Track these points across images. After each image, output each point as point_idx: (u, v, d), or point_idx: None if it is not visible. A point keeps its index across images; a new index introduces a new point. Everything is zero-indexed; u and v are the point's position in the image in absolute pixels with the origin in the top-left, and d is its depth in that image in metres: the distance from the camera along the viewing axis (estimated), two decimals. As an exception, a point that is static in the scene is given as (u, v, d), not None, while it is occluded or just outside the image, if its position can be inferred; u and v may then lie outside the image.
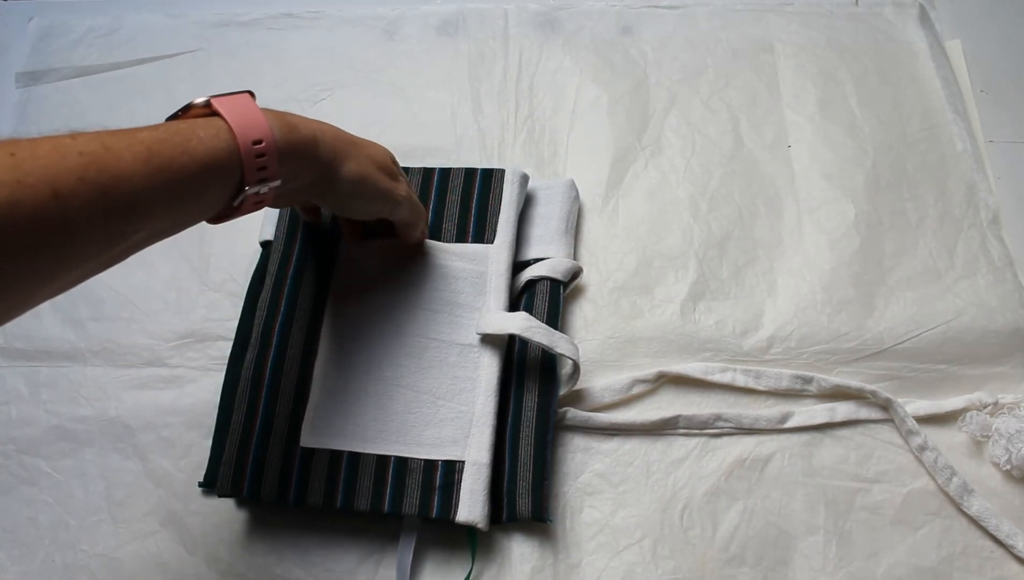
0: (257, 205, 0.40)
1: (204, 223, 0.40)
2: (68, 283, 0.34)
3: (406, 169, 0.58)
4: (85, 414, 0.55)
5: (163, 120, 0.38)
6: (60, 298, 0.57)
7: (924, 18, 0.68)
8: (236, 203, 0.39)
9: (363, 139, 0.48)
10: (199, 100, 0.38)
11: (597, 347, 0.56)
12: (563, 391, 0.52)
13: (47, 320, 0.58)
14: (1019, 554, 0.49)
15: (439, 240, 0.55)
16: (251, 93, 0.40)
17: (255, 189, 0.38)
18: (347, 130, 0.46)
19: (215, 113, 0.38)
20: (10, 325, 0.57)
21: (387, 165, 0.49)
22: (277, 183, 0.39)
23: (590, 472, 0.52)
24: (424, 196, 0.57)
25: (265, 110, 0.39)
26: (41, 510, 0.52)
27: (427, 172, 0.58)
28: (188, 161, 0.35)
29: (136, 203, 0.33)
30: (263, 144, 0.38)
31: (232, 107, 0.38)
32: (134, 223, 0.34)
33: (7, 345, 0.58)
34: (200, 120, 0.37)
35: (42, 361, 0.57)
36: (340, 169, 0.44)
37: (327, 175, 0.44)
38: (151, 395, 0.55)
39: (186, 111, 0.38)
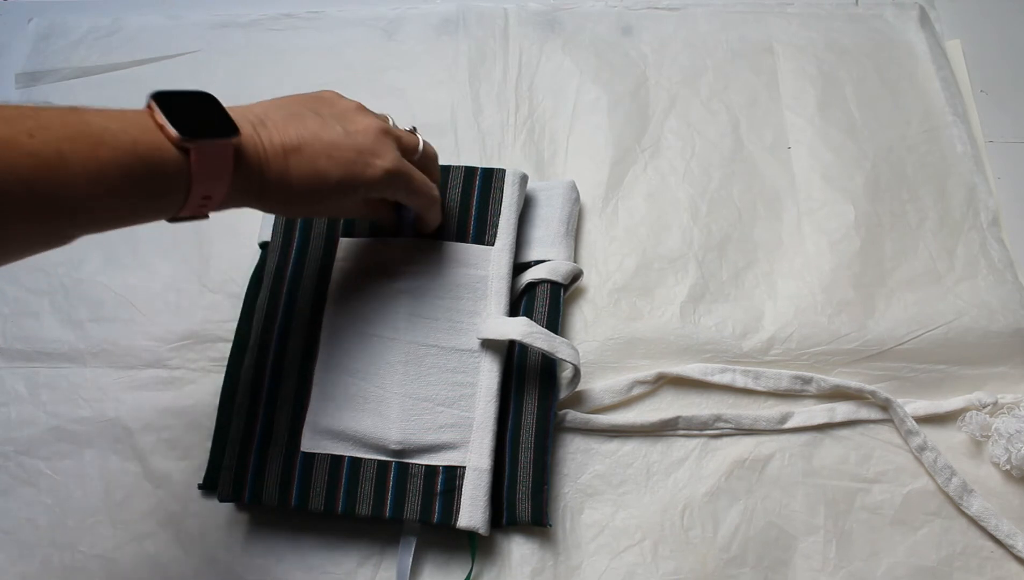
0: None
1: (203, 224, 0.41)
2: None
3: None
4: (84, 415, 0.55)
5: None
6: (60, 299, 0.59)
7: (924, 19, 0.68)
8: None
9: (335, 119, 0.44)
10: (173, 131, 0.36)
11: (597, 349, 0.55)
12: (563, 395, 0.52)
13: (47, 321, 0.58)
14: (1019, 554, 0.49)
15: (439, 238, 0.55)
16: (237, 134, 0.39)
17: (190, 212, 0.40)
18: None
19: (186, 150, 0.37)
20: (10, 326, 0.58)
21: (366, 145, 0.44)
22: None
23: (590, 474, 0.52)
24: None
25: (235, 155, 0.39)
26: (40, 511, 0.52)
27: None
28: (137, 193, 0.36)
29: (78, 210, 0.34)
30: (211, 198, 0.39)
31: (206, 167, 0.37)
32: (76, 226, 0.35)
33: (7, 346, 0.58)
34: (170, 156, 0.36)
35: (42, 362, 0.57)
36: (288, 174, 0.42)
37: (269, 190, 0.42)
38: (151, 396, 0.55)
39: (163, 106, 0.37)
